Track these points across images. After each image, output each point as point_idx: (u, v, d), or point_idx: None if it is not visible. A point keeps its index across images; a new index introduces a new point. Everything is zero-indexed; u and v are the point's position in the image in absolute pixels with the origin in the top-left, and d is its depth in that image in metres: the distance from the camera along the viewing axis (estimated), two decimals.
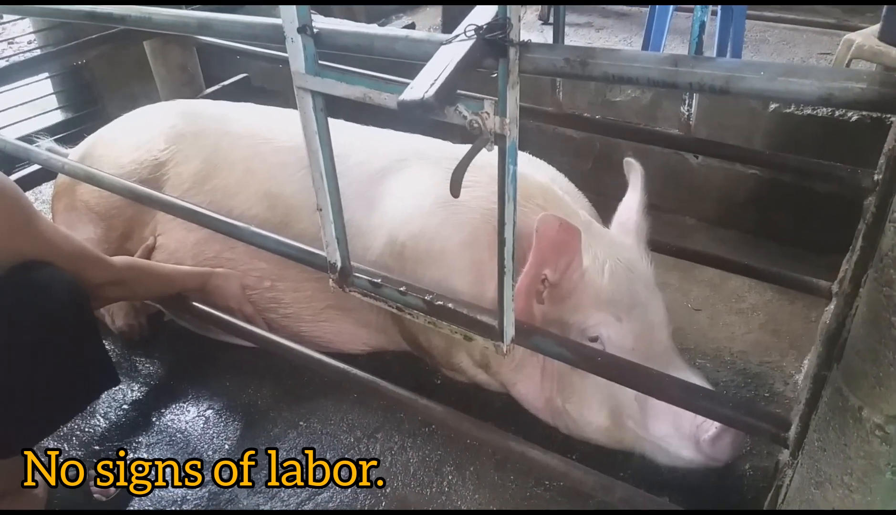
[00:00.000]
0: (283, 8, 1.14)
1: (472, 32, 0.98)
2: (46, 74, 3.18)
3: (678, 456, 1.53)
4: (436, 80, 0.96)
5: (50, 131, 2.79)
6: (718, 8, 3.19)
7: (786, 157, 1.91)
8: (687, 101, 1.83)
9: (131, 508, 1.70)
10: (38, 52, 3.00)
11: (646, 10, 3.38)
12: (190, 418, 1.94)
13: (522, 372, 1.76)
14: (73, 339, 1.46)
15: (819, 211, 2.38)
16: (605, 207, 2.81)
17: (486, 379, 1.86)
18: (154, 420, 1.94)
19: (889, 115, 1.90)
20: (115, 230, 2.12)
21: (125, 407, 1.98)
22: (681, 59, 0.89)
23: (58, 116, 3.28)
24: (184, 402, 2.00)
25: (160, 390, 2.05)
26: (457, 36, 1.00)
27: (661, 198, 2.77)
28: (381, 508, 1.67)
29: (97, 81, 3.32)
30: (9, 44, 4.17)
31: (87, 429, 1.93)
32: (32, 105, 3.16)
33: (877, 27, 2.72)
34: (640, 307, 1.61)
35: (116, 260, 1.70)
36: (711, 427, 1.44)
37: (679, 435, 1.50)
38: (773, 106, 2.39)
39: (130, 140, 2.17)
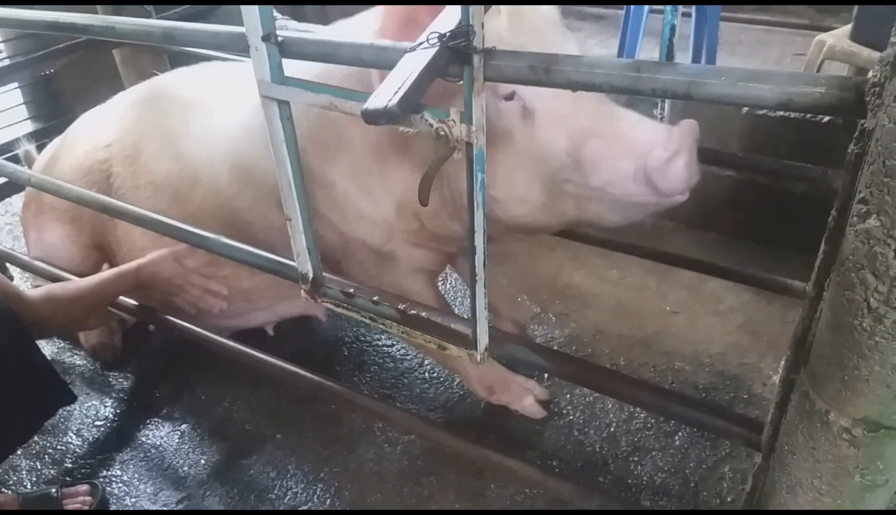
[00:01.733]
0: (245, 16, 1.13)
1: (435, 40, 0.97)
2: (16, 84, 3.13)
3: (631, 202, 1.33)
4: (399, 88, 0.95)
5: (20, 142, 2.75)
6: (693, 10, 3.23)
7: (759, 159, 1.93)
8: (659, 105, 1.84)
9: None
10: (7, 61, 2.94)
11: (621, 12, 3.41)
12: (165, 433, 1.91)
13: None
14: (7, 363, 1.41)
15: (796, 211, 2.39)
16: None
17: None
18: (128, 435, 1.91)
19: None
20: (84, 222, 2.04)
21: (98, 423, 1.95)
22: (643, 65, 0.88)
23: (28, 126, 3.23)
24: (158, 417, 1.97)
25: (134, 405, 2.02)
26: (420, 44, 1.00)
27: None
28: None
29: (67, 91, 3.27)
30: None
31: (59, 447, 1.89)
32: (2, 115, 3.11)
33: (849, 27, 2.75)
34: (551, 47, 1.31)
35: (33, 296, 1.59)
36: (661, 154, 1.24)
37: (626, 175, 1.28)
38: (745, 108, 2.40)
39: (87, 128, 2.11)
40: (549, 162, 1.34)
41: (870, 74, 0.75)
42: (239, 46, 1.19)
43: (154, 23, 1.31)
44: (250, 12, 1.12)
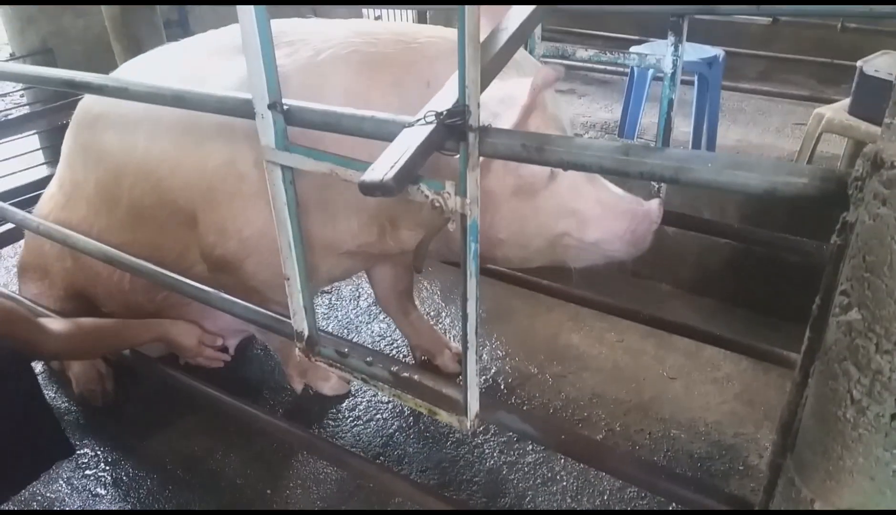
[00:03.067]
0: (253, 84, 1.17)
1: (433, 118, 1.00)
2: (34, 131, 3.21)
3: (606, 253, 1.61)
4: (396, 162, 0.98)
5: (36, 185, 2.79)
6: (695, 78, 3.31)
7: (754, 231, 1.94)
8: None
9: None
10: (27, 109, 3.03)
11: (626, 78, 3.49)
12: (155, 484, 1.89)
13: None
14: (14, 410, 1.42)
15: (793, 280, 2.40)
16: (585, 273, 2.83)
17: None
18: (118, 486, 1.89)
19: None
20: (55, 274, 2.06)
21: (88, 472, 1.93)
22: (632, 149, 0.91)
23: (44, 171, 3.29)
24: (149, 467, 1.95)
25: (126, 453, 2.00)
26: (419, 120, 1.03)
27: (638, 265, 2.79)
28: None
29: None
30: (0, 98, 4.24)
31: (48, 495, 1.87)
32: (20, 159, 3.17)
33: (847, 101, 2.80)
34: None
35: (55, 333, 1.60)
36: (648, 223, 1.58)
37: (618, 235, 1.58)
38: None
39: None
40: (560, 218, 1.56)
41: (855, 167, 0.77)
42: (245, 112, 1.23)
43: (165, 87, 1.36)
44: (258, 79, 1.16)
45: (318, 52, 1.54)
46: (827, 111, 2.73)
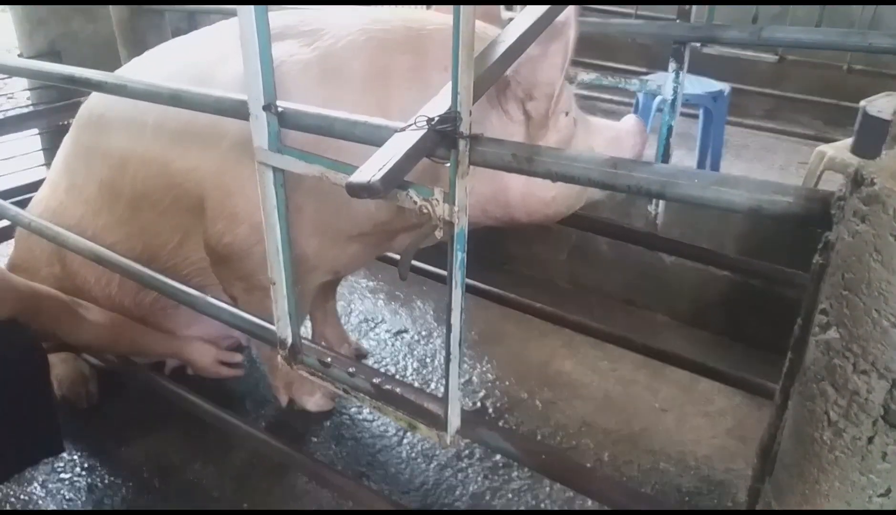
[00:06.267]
0: (248, 84, 1.17)
1: (423, 123, 1.00)
2: (36, 131, 3.22)
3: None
4: (384, 165, 0.98)
5: (36, 186, 2.80)
6: (700, 112, 3.33)
7: (750, 262, 1.93)
8: (653, 201, 1.87)
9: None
10: (31, 109, 3.05)
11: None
12: (131, 493, 1.86)
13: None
14: (14, 395, 1.40)
15: (789, 316, 2.38)
16: (581, 300, 2.81)
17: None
18: (93, 491, 1.86)
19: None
20: (41, 279, 1.97)
21: (64, 476, 1.90)
22: (620, 163, 0.90)
23: (43, 172, 3.30)
24: (126, 474, 1.92)
25: (102, 459, 1.97)
26: (410, 125, 1.03)
27: (634, 294, 2.78)
28: None
29: None
30: (7, 98, 4.29)
31: (22, 496, 1.84)
32: (20, 160, 3.18)
33: (850, 140, 2.80)
34: None
35: (96, 320, 1.64)
36: (643, 136, 1.82)
37: (636, 153, 1.80)
38: None
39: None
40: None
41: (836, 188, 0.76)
42: (240, 113, 1.23)
43: (162, 85, 1.36)
44: (254, 80, 1.16)
45: (337, 39, 1.57)
46: (829, 149, 2.73)
